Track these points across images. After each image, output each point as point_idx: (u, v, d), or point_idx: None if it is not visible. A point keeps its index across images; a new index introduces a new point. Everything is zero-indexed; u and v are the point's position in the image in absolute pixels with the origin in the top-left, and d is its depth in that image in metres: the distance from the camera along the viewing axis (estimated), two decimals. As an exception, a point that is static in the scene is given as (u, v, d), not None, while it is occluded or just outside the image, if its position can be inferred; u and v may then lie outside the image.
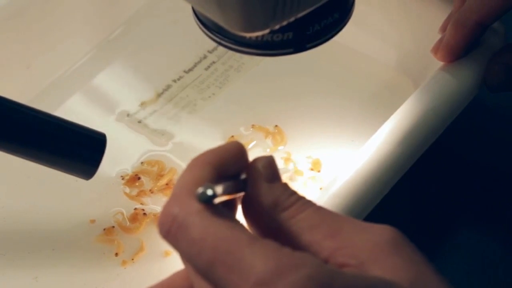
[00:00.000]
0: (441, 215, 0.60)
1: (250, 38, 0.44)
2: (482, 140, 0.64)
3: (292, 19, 0.40)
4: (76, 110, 0.65)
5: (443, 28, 0.55)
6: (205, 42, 0.69)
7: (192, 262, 0.34)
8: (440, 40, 0.54)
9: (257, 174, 0.37)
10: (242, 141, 0.62)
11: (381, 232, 0.35)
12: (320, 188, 0.59)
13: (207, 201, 0.34)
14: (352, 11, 0.46)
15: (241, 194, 0.37)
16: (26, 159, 0.50)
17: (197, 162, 0.36)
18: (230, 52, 0.68)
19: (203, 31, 0.46)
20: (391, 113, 0.53)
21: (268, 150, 0.61)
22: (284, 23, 0.40)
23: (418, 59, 0.61)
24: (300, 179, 0.59)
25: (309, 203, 0.36)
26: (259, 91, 0.66)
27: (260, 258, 0.32)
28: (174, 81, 0.67)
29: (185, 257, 0.35)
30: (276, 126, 0.63)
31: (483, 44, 0.55)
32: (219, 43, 0.45)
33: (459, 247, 0.59)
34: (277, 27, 0.40)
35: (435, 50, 0.54)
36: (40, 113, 0.51)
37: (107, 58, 0.69)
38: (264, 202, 0.36)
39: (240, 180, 0.37)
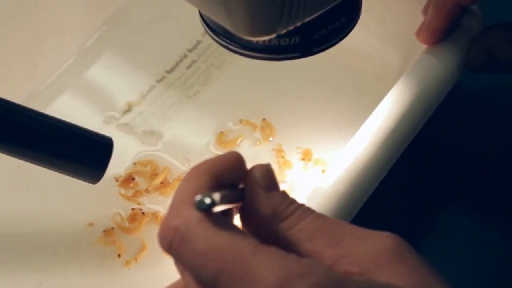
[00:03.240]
0: (427, 202, 0.61)
1: (257, 42, 0.44)
2: (463, 124, 0.65)
3: (299, 23, 0.40)
4: (61, 116, 0.65)
5: (425, 11, 0.56)
6: (184, 41, 0.70)
7: (197, 274, 0.34)
8: (423, 23, 0.55)
9: (254, 183, 0.37)
10: (231, 136, 0.63)
11: (383, 240, 0.35)
12: (323, 171, 0.60)
13: (205, 209, 0.34)
14: (359, 15, 0.46)
15: (239, 203, 0.37)
16: (34, 163, 0.51)
17: (195, 172, 0.36)
18: (210, 50, 0.70)
19: (210, 35, 0.46)
20: (376, 100, 0.53)
21: (257, 143, 0.63)
22: (291, 27, 0.40)
23: (400, 46, 0.63)
24: (297, 167, 0.61)
25: (308, 211, 0.36)
26: (243, 86, 0.67)
27: (267, 266, 0.32)
28: (158, 81, 0.68)
29: (188, 269, 0.35)
30: (264, 119, 0.64)
31: (463, 27, 0.56)
32: (226, 47, 0.46)
33: (448, 232, 0.60)
34: (284, 31, 0.40)
35: (418, 32, 0.55)
36: (48, 117, 0.51)
37: (87, 63, 0.69)
38: (262, 212, 0.36)
39: (238, 189, 0.37)
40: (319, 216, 0.36)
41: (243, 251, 0.33)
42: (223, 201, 0.35)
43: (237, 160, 0.37)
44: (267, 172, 0.37)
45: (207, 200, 0.34)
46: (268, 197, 0.36)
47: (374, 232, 0.35)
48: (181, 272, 0.36)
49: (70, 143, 0.51)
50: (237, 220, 0.38)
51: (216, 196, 0.34)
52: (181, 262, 0.35)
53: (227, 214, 0.37)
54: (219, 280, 0.33)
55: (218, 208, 0.35)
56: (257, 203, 0.36)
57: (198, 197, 0.34)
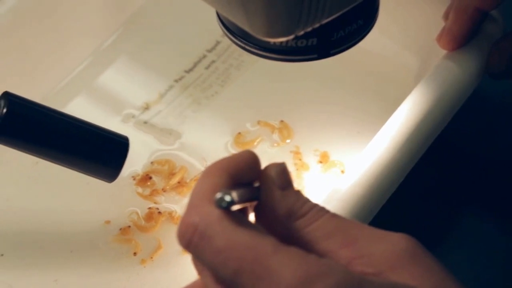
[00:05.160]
0: (444, 207, 0.61)
1: (275, 43, 0.44)
2: (481, 130, 0.65)
3: (316, 25, 0.40)
4: (80, 114, 0.65)
5: (446, 16, 0.56)
6: (203, 42, 0.70)
7: (216, 272, 0.34)
8: (444, 28, 0.55)
9: (270, 181, 0.37)
10: (249, 137, 0.63)
11: (398, 241, 0.35)
12: (342, 171, 0.60)
13: (226, 207, 0.34)
14: (376, 17, 0.46)
15: (254, 202, 0.37)
16: (51, 161, 0.51)
17: (212, 169, 0.36)
18: (229, 51, 0.70)
19: (227, 36, 0.47)
20: (394, 104, 0.53)
21: (275, 145, 0.63)
22: (309, 29, 0.40)
23: (419, 51, 0.62)
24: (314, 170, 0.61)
25: (323, 211, 0.36)
26: (261, 87, 0.67)
27: (288, 266, 0.32)
28: (176, 81, 0.68)
29: (207, 267, 0.35)
30: (282, 121, 0.64)
31: (483, 32, 0.56)
32: (244, 48, 0.46)
33: (466, 237, 0.60)
34: (301, 33, 0.40)
35: (439, 38, 0.55)
36: (65, 116, 0.51)
37: (107, 62, 0.69)
38: (278, 211, 0.36)
39: (254, 188, 0.37)
40: (334, 216, 0.36)
41: (263, 249, 0.33)
42: (241, 199, 0.35)
43: (252, 158, 0.37)
44: (282, 170, 0.37)
45: (228, 198, 0.34)
46: (284, 196, 0.36)
47: (389, 233, 0.35)
48: (200, 272, 0.36)
49: (86, 142, 0.51)
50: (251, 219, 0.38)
51: (235, 194, 0.34)
52: (200, 259, 0.35)
53: (242, 213, 0.37)
54: (238, 278, 0.33)
55: (236, 207, 0.35)
56: (272, 201, 0.36)
57: (218, 195, 0.34)
